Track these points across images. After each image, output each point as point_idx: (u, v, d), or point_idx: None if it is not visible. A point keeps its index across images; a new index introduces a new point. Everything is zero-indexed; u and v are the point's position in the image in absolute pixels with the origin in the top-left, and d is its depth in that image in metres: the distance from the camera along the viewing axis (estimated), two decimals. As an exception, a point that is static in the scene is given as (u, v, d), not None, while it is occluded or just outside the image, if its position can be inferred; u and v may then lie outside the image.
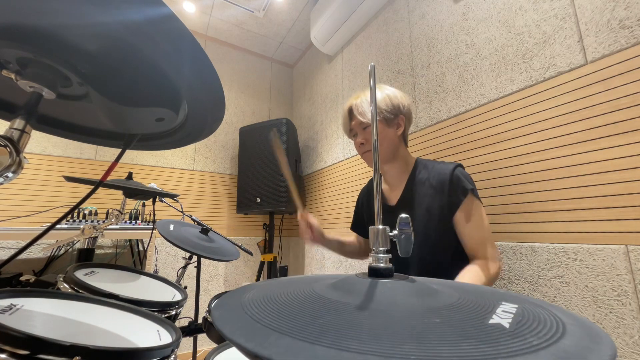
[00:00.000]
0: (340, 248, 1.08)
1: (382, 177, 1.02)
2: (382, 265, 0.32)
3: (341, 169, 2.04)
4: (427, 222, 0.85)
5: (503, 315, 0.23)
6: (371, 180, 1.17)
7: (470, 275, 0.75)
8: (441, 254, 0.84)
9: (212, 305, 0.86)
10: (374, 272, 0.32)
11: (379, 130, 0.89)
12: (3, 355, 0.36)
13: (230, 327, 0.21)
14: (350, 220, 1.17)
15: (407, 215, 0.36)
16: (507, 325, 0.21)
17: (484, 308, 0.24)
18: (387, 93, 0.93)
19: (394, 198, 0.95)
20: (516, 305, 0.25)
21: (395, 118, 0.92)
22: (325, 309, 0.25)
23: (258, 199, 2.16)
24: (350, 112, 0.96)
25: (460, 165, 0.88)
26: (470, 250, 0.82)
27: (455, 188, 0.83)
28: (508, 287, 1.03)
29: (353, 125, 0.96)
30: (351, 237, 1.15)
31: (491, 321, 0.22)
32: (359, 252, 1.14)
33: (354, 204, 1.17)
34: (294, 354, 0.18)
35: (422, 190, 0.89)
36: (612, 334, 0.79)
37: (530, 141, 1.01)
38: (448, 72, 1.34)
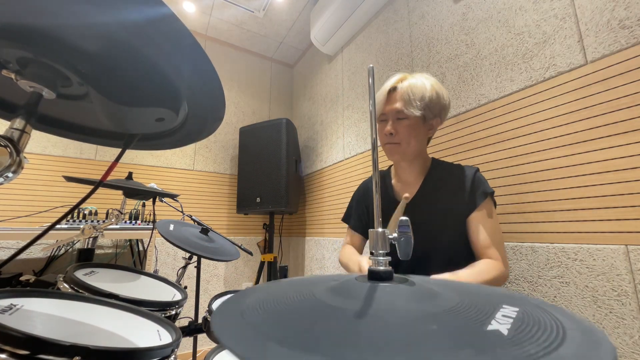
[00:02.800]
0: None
1: (396, 174, 0.98)
2: (381, 268, 0.32)
3: (341, 169, 2.04)
4: (443, 220, 0.84)
5: (502, 321, 0.22)
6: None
7: (484, 265, 0.75)
8: (455, 252, 0.83)
9: (213, 312, 0.86)
10: (374, 275, 0.32)
11: (412, 125, 0.84)
12: (3, 356, 0.36)
13: (228, 334, 0.22)
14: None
15: (407, 218, 0.36)
16: (506, 332, 0.21)
17: (484, 312, 0.24)
18: (436, 89, 0.84)
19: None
20: (517, 309, 0.24)
21: (434, 118, 0.86)
22: (323, 316, 0.25)
23: (258, 199, 2.16)
24: (390, 94, 0.85)
25: (479, 170, 0.88)
26: (479, 252, 0.80)
27: (476, 189, 0.83)
28: (508, 287, 1.03)
29: (387, 110, 0.85)
30: (353, 247, 1.05)
31: (490, 327, 0.21)
32: None
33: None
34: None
35: (439, 190, 0.87)
36: (612, 334, 0.79)
37: (530, 141, 1.01)
38: (448, 72, 1.34)
